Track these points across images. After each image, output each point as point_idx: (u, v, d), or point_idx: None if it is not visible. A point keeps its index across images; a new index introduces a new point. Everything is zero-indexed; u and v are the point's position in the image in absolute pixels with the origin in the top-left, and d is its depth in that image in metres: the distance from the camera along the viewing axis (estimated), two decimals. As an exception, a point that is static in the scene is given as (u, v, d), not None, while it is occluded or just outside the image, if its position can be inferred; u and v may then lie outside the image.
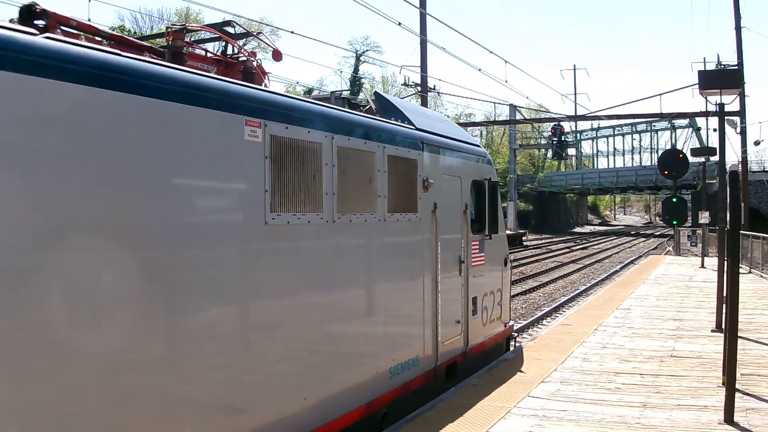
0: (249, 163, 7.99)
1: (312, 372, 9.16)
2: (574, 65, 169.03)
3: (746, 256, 35.84)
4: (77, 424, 5.99)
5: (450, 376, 13.06)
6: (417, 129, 12.50)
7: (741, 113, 48.09)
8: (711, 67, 60.71)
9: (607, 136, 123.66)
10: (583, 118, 67.73)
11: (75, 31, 7.77)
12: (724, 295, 13.09)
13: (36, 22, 7.09)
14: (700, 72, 17.73)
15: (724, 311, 13.74)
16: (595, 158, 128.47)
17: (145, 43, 9.24)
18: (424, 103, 45.54)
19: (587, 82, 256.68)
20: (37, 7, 7.15)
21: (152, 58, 7.96)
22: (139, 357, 6.57)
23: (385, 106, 13.07)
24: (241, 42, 10.75)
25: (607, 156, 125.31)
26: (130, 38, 8.98)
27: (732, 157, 58.66)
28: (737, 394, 10.46)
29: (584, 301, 26.40)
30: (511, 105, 76.32)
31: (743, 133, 49.04)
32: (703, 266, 36.04)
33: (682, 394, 11.51)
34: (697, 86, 43.81)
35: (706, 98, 17.11)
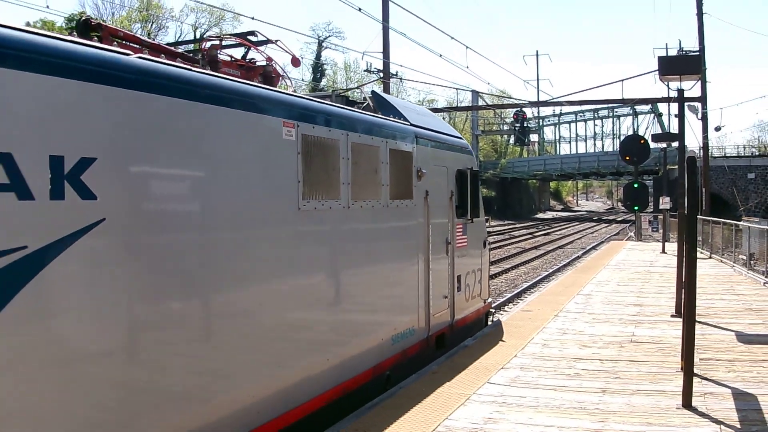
0: (286, 158, 9.56)
1: (332, 337, 10.80)
2: (537, 51, 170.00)
3: (707, 241, 36.17)
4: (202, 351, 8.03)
5: (439, 346, 14.60)
6: (411, 125, 13.96)
7: (702, 99, 48.47)
8: (673, 53, 61.19)
9: (569, 122, 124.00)
10: (546, 104, 67.99)
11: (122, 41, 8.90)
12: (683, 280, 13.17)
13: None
14: (660, 58, 17.71)
15: (683, 296, 13.82)
16: (558, 144, 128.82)
17: (177, 50, 10.37)
18: (387, 90, 45.41)
19: (550, 68, 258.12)
20: (93, 21, 8.45)
21: (185, 63, 9.04)
22: (248, 306, 8.80)
23: (381, 104, 14.43)
24: (261, 47, 11.89)
25: (570, 142, 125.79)
26: (165, 46, 10.06)
27: (693, 143, 59.17)
28: (696, 379, 10.53)
29: (545, 286, 26.46)
30: (473, 91, 76.37)
31: (704, 118, 49.48)
32: (663, 251, 36.36)
33: (641, 380, 11.55)
34: (656, 72, 44.18)
35: (667, 84, 17.08)
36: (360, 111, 12.54)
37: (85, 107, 6.49)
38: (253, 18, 27.15)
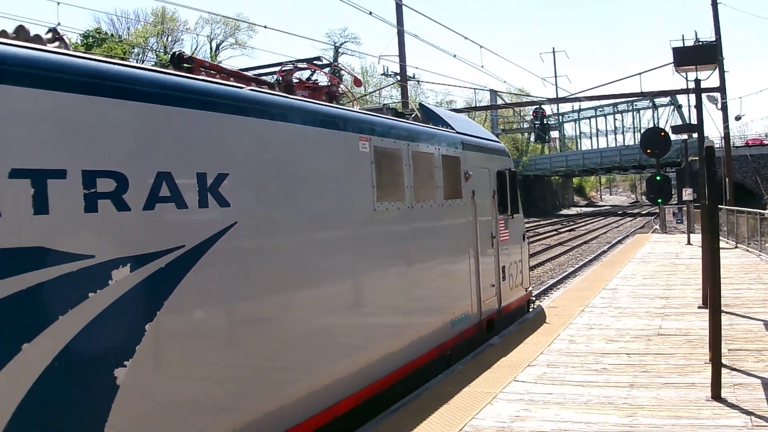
0: (363, 167, 11.28)
1: (406, 320, 12.60)
2: (553, 48, 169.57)
3: (732, 231, 35.85)
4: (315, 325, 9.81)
5: (489, 329, 16.22)
6: (457, 132, 15.71)
7: (721, 89, 48.17)
8: (689, 44, 60.81)
9: (589, 118, 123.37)
10: (564, 100, 67.81)
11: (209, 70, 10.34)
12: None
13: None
14: (675, 49, 17.57)
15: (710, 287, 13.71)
16: (579, 140, 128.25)
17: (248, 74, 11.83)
18: (404, 93, 45.41)
19: (567, 64, 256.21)
20: (185, 54, 9.92)
21: (259, 87, 10.39)
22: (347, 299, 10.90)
23: (428, 115, 16.30)
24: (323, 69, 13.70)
25: (590, 137, 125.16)
26: (243, 72, 11.36)
27: (714, 133, 58.77)
28: (725, 370, 10.44)
29: (571, 282, 26.35)
30: (491, 90, 76.31)
31: (724, 108, 49.15)
32: (689, 243, 36.13)
33: (669, 373, 11.46)
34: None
35: (684, 75, 17.00)
36: (416, 123, 14.55)
37: (221, 134, 8.21)
38: (265, 27, 27.25)
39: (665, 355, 12.65)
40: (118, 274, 6.67)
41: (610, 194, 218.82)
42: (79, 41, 55.12)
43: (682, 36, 79.74)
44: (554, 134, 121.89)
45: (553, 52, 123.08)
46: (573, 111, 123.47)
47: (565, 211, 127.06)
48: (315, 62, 13.65)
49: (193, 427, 7.51)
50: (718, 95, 47.80)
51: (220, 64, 11.56)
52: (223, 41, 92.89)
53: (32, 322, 6.01)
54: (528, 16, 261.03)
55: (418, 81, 60.48)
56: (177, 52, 9.86)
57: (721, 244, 12.12)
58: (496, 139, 19.82)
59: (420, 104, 17.65)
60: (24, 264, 5.93)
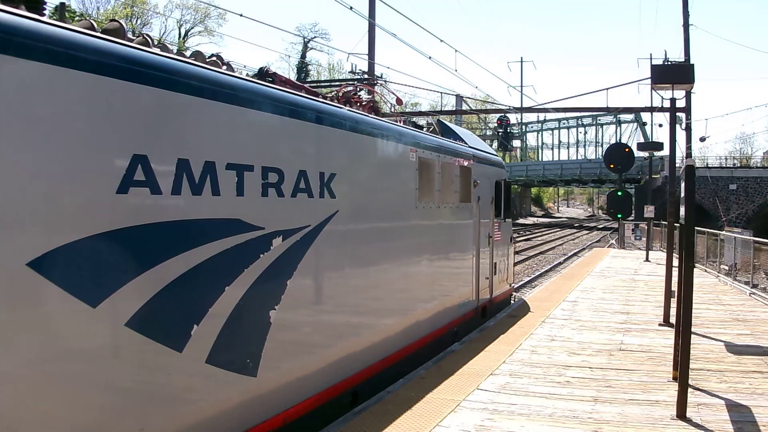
0: (411, 173, 14.31)
1: (429, 298, 15.49)
2: (521, 57, 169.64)
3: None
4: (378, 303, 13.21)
5: (483, 315, 19.45)
6: (469, 147, 19.10)
7: (687, 110, 48.38)
8: (657, 63, 61.16)
9: (552, 129, 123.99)
10: (530, 110, 68.13)
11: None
12: (674, 289, 13.04)
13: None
14: (653, 66, 17.65)
15: (673, 305, 13.69)
16: (540, 151, 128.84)
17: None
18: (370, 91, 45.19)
19: (534, 74, 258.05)
20: (269, 70, 11.63)
21: (353, 109, 13.04)
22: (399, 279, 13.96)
23: (444, 129, 19.21)
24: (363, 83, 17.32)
25: (552, 149, 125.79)
26: (305, 86, 13.06)
27: (677, 153, 59.14)
28: (689, 389, 10.36)
29: (530, 292, 26.33)
30: (457, 95, 76.13)
31: (688, 129, 49.39)
32: (647, 260, 36.27)
33: (633, 389, 11.42)
34: (642, 81, 43.92)
35: (653, 93, 17.18)
36: (441, 137, 17.58)
37: (333, 143, 11.20)
38: (241, 15, 26.76)
39: (628, 371, 12.63)
40: (276, 242, 9.32)
41: (567, 206, 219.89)
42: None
43: (650, 54, 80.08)
44: (516, 143, 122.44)
45: (521, 61, 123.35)
46: (537, 122, 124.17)
47: (521, 221, 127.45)
48: (366, 82, 18.32)
49: (311, 352, 10.55)
50: (683, 116, 48.05)
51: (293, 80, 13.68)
52: (191, 28, 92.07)
53: (231, 272, 8.49)
54: (500, 24, 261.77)
55: (385, 81, 60.33)
56: (263, 68, 11.65)
57: (678, 263, 12.09)
58: (495, 154, 24.41)
59: (438, 120, 20.93)
60: (230, 230, 8.44)
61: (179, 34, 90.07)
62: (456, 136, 18.96)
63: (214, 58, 9.74)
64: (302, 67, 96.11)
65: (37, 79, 6.16)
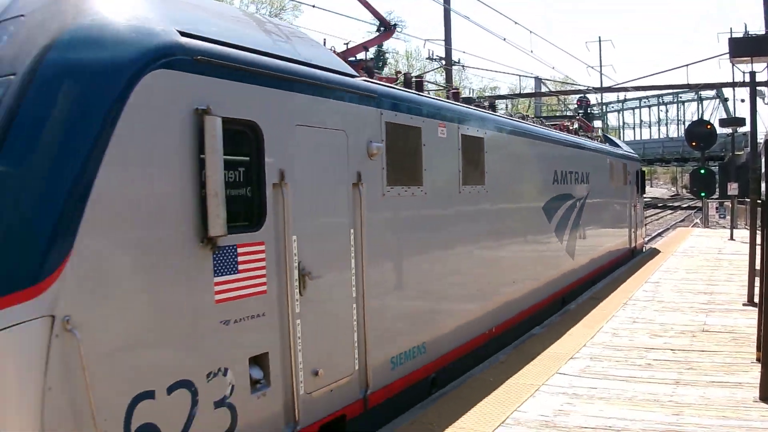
0: (606, 171, 24.40)
1: (618, 237, 27.59)
2: (599, 36, 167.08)
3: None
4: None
5: (632, 253, 29.90)
6: (623, 150, 31.55)
7: (769, 83, 47.30)
8: (737, 36, 59.74)
9: (633, 108, 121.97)
10: (609, 89, 67.25)
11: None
12: (757, 268, 12.78)
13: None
14: (730, 39, 17.26)
15: (756, 285, 13.43)
16: (622, 130, 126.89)
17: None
18: (449, 77, 45.10)
19: (613, 53, 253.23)
20: (457, 90, 16.50)
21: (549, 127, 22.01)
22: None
23: (608, 140, 31.50)
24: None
25: (633, 128, 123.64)
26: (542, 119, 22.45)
27: (760, 129, 57.80)
28: (773, 371, 10.15)
29: (613, 274, 26.08)
30: (536, 78, 75.66)
31: (772, 103, 48.29)
32: (732, 238, 35.53)
33: (715, 371, 11.25)
34: (724, 56, 43.03)
35: (733, 66, 16.77)
36: (610, 146, 29.46)
37: (588, 158, 22.16)
38: (314, 6, 26.89)
39: (710, 353, 12.43)
40: (578, 203, 20.24)
41: (651, 186, 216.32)
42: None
43: (730, 29, 78.26)
44: (597, 123, 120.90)
45: (599, 40, 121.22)
46: (617, 101, 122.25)
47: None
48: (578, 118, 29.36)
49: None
50: (765, 90, 46.97)
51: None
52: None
53: (576, 210, 20.91)
54: (575, 4, 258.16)
55: (463, 66, 60.08)
56: (456, 90, 14.98)
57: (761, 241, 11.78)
58: (634, 152, 36.59)
59: (604, 135, 32.87)
60: (569, 196, 19.94)
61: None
62: (614, 144, 31.59)
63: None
64: (379, 56, 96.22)
65: (394, 116, 10.47)
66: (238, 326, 7.16)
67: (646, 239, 40.38)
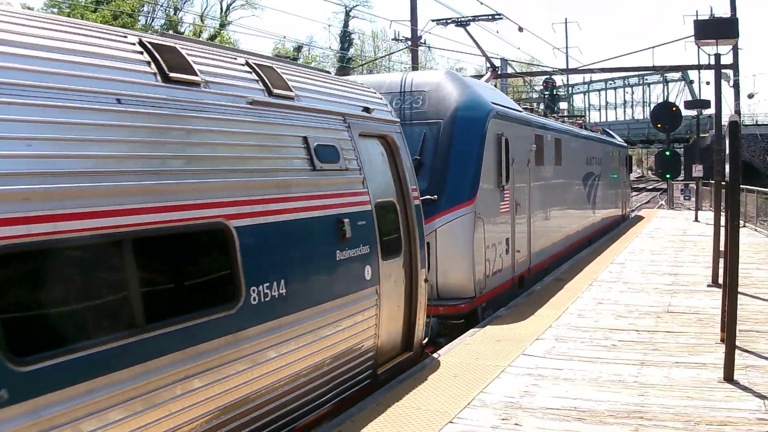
0: (617, 159, 37.64)
1: (612, 208, 35.82)
2: (566, 18, 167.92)
3: (740, 209, 35.49)
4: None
5: (623, 219, 38.58)
6: (617, 141, 41.69)
7: (734, 66, 47.57)
8: (703, 19, 59.95)
9: (598, 90, 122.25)
10: (576, 71, 67.41)
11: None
12: (721, 249, 12.81)
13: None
14: (695, 21, 17.35)
15: (721, 266, 13.48)
16: (587, 112, 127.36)
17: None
18: (415, 58, 45.01)
19: (579, 35, 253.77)
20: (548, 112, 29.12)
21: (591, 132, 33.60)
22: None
23: (606, 133, 39.01)
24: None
25: (599, 110, 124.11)
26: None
27: (725, 111, 58.13)
28: (736, 351, 10.17)
29: (578, 255, 26.16)
30: (502, 59, 75.56)
31: (737, 86, 48.59)
32: (696, 220, 35.83)
33: (680, 352, 11.28)
34: (690, 39, 43.24)
35: (699, 49, 16.88)
36: (606, 137, 37.04)
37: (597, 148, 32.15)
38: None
39: (675, 334, 12.48)
40: (603, 179, 31.43)
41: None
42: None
43: (696, 12, 78.54)
44: (563, 105, 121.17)
45: (566, 22, 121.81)
46: (583, 83, 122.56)
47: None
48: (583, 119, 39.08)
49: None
50: (730, 72, 47.20)
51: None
52: (233, 1, 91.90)
53: (608, 182, 34.66)
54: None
55: (429, 47, 59.96)
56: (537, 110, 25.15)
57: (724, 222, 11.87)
58: (623, 141, 44.21)
59: (603, 129, 39.33)
60: (595, 177, 30.44)
61: (221, 8, 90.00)
62: (611, 136, 39.13)
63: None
64: (345, 37, 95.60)
65: (532, 130, 19.82)
66: (503, 225, 16.76)
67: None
